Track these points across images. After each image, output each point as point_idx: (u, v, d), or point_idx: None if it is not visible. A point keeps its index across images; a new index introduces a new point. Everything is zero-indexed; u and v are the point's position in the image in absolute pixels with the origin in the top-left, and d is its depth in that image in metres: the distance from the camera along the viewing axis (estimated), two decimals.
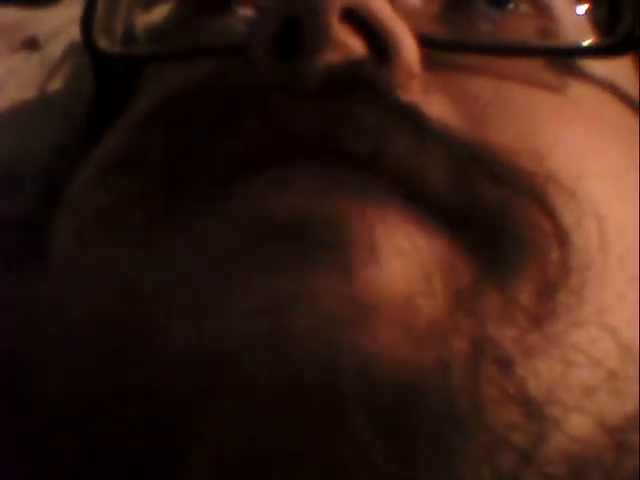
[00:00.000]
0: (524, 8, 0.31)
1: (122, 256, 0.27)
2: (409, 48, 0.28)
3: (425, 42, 0.29)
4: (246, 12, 0.32)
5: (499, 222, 0.26)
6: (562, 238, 0.26)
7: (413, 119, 0.27)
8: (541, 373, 0.24)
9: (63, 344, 0.26)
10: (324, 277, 0.24)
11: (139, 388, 0.24)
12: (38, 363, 0.25)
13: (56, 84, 0.40)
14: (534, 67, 0.30)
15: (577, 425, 0.24)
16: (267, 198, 0.26)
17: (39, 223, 0.33)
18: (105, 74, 0.36)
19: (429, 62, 0.29)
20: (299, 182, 0.26)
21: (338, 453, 0.23)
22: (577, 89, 0.30)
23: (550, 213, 0.26)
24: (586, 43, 0.31)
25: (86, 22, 0.33)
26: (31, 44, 0.42)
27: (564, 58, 0.31)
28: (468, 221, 0.26)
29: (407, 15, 0.29)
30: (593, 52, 0.30)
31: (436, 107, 0.28)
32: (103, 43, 0.33)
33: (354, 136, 0.27)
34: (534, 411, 0.24)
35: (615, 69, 0.32)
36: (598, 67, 0.31)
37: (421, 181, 0.26)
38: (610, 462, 0.25)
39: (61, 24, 0.41)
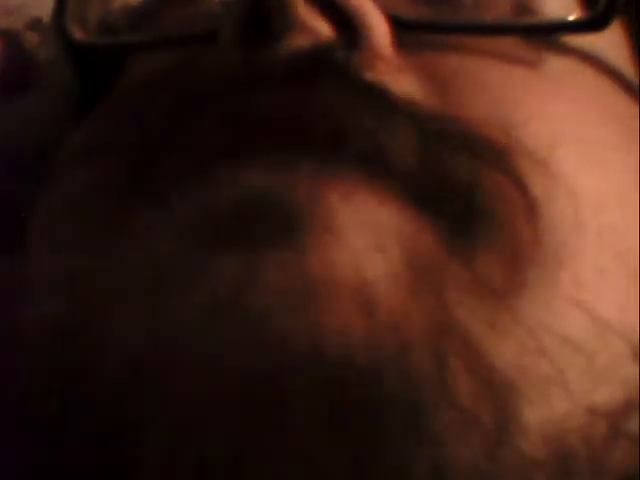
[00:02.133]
0: None
1: (82, 246, 0.27)
2: (379, 30, 0.28)
3: (396, 23, 0.28)
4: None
5: (468, 195, 0.26)
6: (532, 211, 0.25)
7: (379, 96, 0.27)
8: (507, 351, 0.24)
9: (22, 339, 0.26)
10: (276, 256, 0.24)
11: (92, 386, 0.24)
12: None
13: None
14: (511, 44, 0.29)
15: (553, 405, 0.24)
16: (220, 183, 0.26)
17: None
18: (83, 63, 0.35)
19: (402, 43, 0.28)
20: (254, 167, 0.26)
21: (286, 444, 0.23)
22: (555, 64, 0.30)
23: (520, 186, 0.26)
24: (562, 18, 0.30)
25: (58, 11, 0.33)
26: (36, 25, 0.42)
27: (541, 35, 0.30)
28: (436, 195, 0.26)
29: None
30: (570, 28, 0.30)
31: (406, 86, 0.27)
32: (76, 33, 0.32)
33: (319, 118, 0.26)
34: (500, 387, 0.24)
35: (603, 40, 0.31)
36: (581, 41, 0.30)
37: (386, 156, 0.26)
38: (600, 447, 0.24)
39: None
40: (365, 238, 0.25)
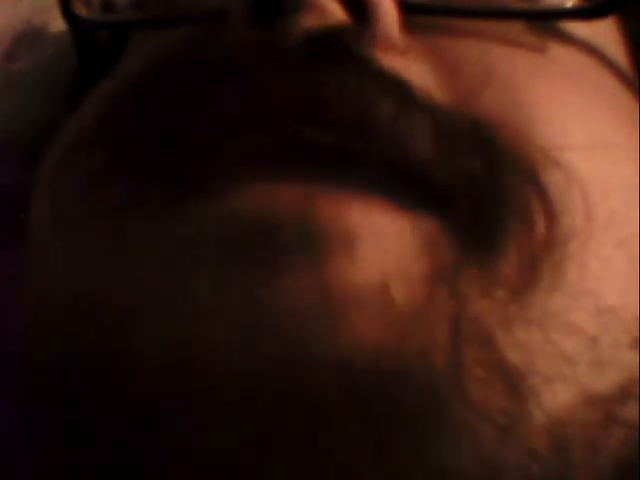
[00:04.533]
0: None
1: (93, 244, 0.26)
2: (388, 11, 0.28)
3: (405, 6, 0.28)
4: None
5: (484, 193, 0.26)
6: (547, 206, 0.26)
7: (396, 86, 0.27)
8: (520, 344, 0.24)
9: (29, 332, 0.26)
10: (295, 272, 0.24)
11: (106, 390, 0.24)
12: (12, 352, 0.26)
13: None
14: (516, 29, 0.30)
15: (559, 395, 0.24)
16: (236, 198, 0.25)
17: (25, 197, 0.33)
18: (86, 43, 0.35)
19: (410, 26, 0.28)
20: (272, 170, 0.26)
21: (319, 453, 0.23)
22: (560, 51, 0.30)
23: (538, 186, 0.26)
24: (567, 5, 0.30)
25: None
26: None
27: (545, 20, 0.30)
28: (450, 192, 0.26)
29: None
30: (574, 14, 0.30)
31: (417, 73, 0.27)
32: (80, 10, 0.32)
33: (335, 99, 0.26)
34: (515, 384, 0.24)
35: (600, 32, 0.32)
36: (582, 30, 0.31)
37: (405, 153, 0.26)
38: (596, 434, 0.25)
39: None
40: (383, 249, 0.25)
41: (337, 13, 0.28)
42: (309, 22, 0.27)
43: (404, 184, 0.26)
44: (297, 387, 0.23)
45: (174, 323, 0.24)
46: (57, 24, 0.40)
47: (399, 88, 0.27)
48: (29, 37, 0.41)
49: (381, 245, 0.25)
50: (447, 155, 0.26)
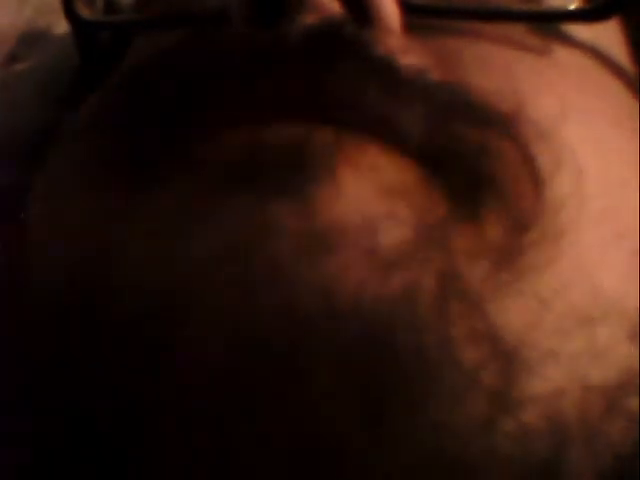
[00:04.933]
0: None
1: (89, 215, 0.27)
2: (390, 12, 0.28)
3: (406, 6, 0.29)
4: None
5: (474, 160, 0.26)
6: (536, 178, 0.26)
7: (388, 69, 0.27)
8: (512, 312, 0.24)
9: (34, 310, 0.26)
10: (287, 202, 0.24)
11: (105, 345, 0.24)
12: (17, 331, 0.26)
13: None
14: (517, 31, 0.30)
15: (552, 373, 0.24)
16: (235, 138, 0.26)
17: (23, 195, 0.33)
18: (88, 44, 0.35)
19: (411, 26, 0.29)
20: (267, 132, 0.26)
21: (302, 398, 0.23)
22: (561, 53, 0.30)
23: (525, 153, 0.26)
24: (569, 7, 0.31)
25: None
26: None
27: (545, 22, 0.31)
28: (443, 160, 0.26)
29: None
30: (575, 16, 0.30)
31: (413, 59, 0.28)
32: (83, 11, 0.33)
33: (333, 96, 0.27)
34: (505, 351, 0.24)
35: (602, 34, 0.32)
36: (583, 32, 0.31)
37: (395, 125, 0.26)
38: (595, 421, 0.25)
39: None
40: (373, 192, 0.25)
41: (339, 14, 0.28)
42: (310, 19, 0.27)
43: (394, 147, 0.26)
44: (283, 312, 0.23)
45: (166, 250, 0.24)
46: (61, 26, 0.40)
47: (393, 74, 0.27)
48: (33, 38, 0.41)
49: (371, 184, 0.25)
50: (438, 127, 0.26)
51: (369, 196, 0.25)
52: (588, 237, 0.26)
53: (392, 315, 0.23)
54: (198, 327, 0.24)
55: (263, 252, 0.24)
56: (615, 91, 0.31)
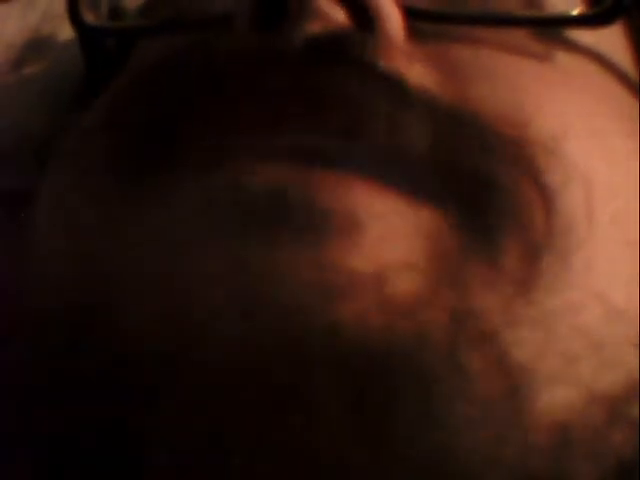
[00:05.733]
0: None
1: (92, 223, 0.27)
2: (393, 19, 0.28)
3: (410, 13, 0.29)
4: None
5: (483, 187, 0.26)
6: (546, 201, 0.26)
7: (394, 85, 0.27)
8: (524, 342, 0.24)
9: (31, 315, 0.26)
10: (296, 246, 0.24)
11: (105, 361, 0.24)
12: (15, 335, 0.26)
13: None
14: (520, 36, 0.30)
15: (561, 395, 0.24)
16: (242, 171, 0.26)
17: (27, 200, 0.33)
18: (93, 50, 0.35)
19: (414, 33, 0.29)
20: (276, 153, 0.26)
21: (304, 431, 0.23)
22: (564, 58, 0.30)
23: (534, 175, 0.26)
24: (571, 13, 0.31)
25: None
26: None
27: (549, 28, 0.31)
28: (451, 188, 0.26)
29: None
30: (577, 22, 0.30)
31: (418, 75, 0.28)
32: (88, 17, 0.33)
33: (337, 102, 0.27)
34: (516, 381, 0.24)
35: (605, 39, 0.32)
36: (586, 37, 0.31)
37: (402, 147, 0.26)
38: (599, 433, 0.25)
39: None
40: (385, 235, 0.25)
41: (342, 20, 0.28)
42: (314, 28, 0.27)
43: (402, 174, 0.26)
44: (288, 356, 0.23)
45: (171, 292, 0.24)
46: (66, 31, 0.40)
47: (399, 90, 0.27)
48: (38, 44, 0.41)
49: (383, 232, 0.25)
50: (445, 149, 0.26)
51: (383, 244, 0.25)
52: (598, 251, 0.26)
53: (401, 353, 0.23)
54: (197, 345, 0.24)
55: (272, 297, 0.24)
56: (619, 96, 0.31)
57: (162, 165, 0.27)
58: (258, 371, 0.23)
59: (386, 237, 0.25)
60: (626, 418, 0.25)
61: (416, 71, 0.28)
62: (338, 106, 0.27)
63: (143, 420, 0.24)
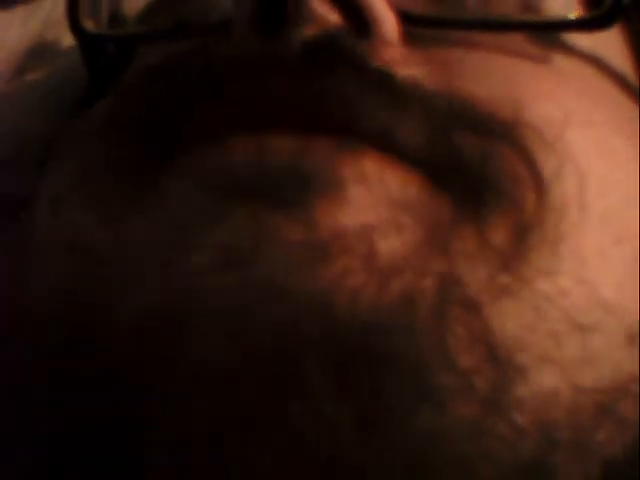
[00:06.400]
0: None
1: (90, 222, 0.27)
2: (388, 23, 0.28)
3: (405, 18, 0.29)
4: None
5: (476, 167, 0.26)
6: (538, 185, 0.26)
7: (388, 81, 0.27)
8: (509, 317, 0.24)
9: (31, 315, 0.26)
10: (289, 214, 0.25)
11: (105, 361, 0.24)
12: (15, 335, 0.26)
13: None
14: (517, 42, 0.30)
15: (546, 377, 0.24)
16: (232, 147, 0.26)
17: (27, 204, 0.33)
18: (93, 57, 0.36)
19: (410, 37, 0.29)
20: (269, 142, 0.26)
21: (295, 408, 0.23)
22: (561, 61, 0.30)
23: (527, 160, 0.26)
24: (568, 17, 0.31)
25: (72, 6, 0.33)
26: None
27: (546, 32, 0.31)
28: (445, 169, 0.26)
29: None
30: (576, 26, 0.30)
31: (414, 75, 0.28)
32: (88, 24, 0.33)
33: (334, 104, 0.27)
34: (499, 355, 0.24)
35: (603, 43, 0.32)
36: (584, 41, 0.31)
37: (396, 136, 0.27)
38: (584, 424, 0.25)
39: None
40: (374, 201, 0.25)
41: (338, 24, 0.28)
42: (311, 32, 0.28)
43: (396, 158, 0.26)
44: (280, 324, 0.24)
45: (171, 292, 0.24)
46: (68, 38, 0.40)
47: (393, 86, 0.27)
48: (40, 51, 0.41)
49: (371, 193, 0.25)
50: (440, 136, 0.27)
51: (370, 205, 0.25)
52: (588, 242, 0.26)
53: (389, 321, 0.24)
54: (197, 342, 0.24)
55: (261, 264, 0.24)
56: (617, 99, 0.31)
57: (162, 166, 0.27)
58: (251, 336, 0.24)
59: (374, 200, 0.25)
60: (613, 415, 0.25)
61: (412, 72, 0.28)
62: (336, 109, 0.27)
63: (143, 420, 0.24)
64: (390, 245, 0.24)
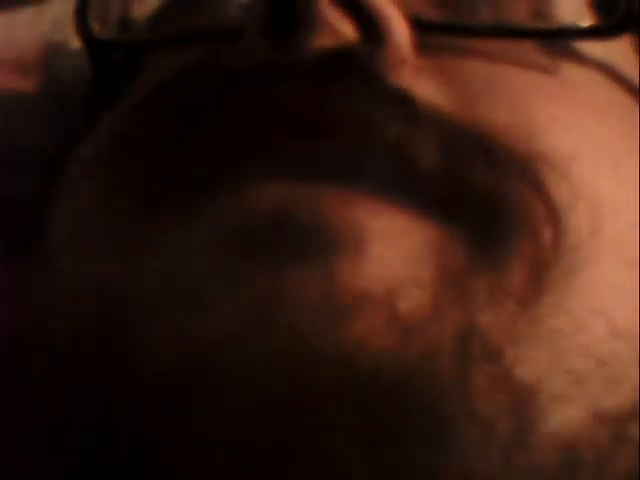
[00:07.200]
0: None
1: (110, 245, 0.27)
2: (400, 32, 0.28)
3: (417, 25, 0.29)
4: None
5: (491, 203, 0.26)
6: (553, 220, 0.26)
7: (403, 102, 0.27)
8: (529, 360, 0.24)
9: (44, 336, 0.26)
10: (306, 272, 0.24)
11: (120, 385, 0.24)
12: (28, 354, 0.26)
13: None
14: (528, 49, 0.30)
15: (567, 415, 0.24)
16: (250, 194, 0.26)
17: (40, 208, 0.33)
18: (101, 61, 0.35)
19: (422, 45, 0.28)
20: (284, 171, 0.26)
21: (318, 455, 0.23)
22: (571, 71, 0.30)
23: (543, 195, 0.26)
24: (580, 24, 0.30)
25: (80, 10, 0.33)
26: None
27: (557, 40, 0.30)
28: (459, 204, 0.26)
29: None
30: (586, 34, 0.30)
31: (427, 90, 0.27)
32: (96, 30, 0.33)
33: (346, 117, 0.27)
34: (522, 401, 0.24)
35: (614, 51, 0.32)
36: (594, 49, 0.31)
37: (411, 163, 0.26)
38: (605, 452, 0.25)
39: None
40: (393, 252, 0.25)
41: (349, 32, 0.28)
42: (322, 41, 0.27)
43: (411, 192, 0.26)
44: (300, 381, 0.23)
45: (185, 317, 0.24)
46: (77, 40, 0.40)
47: (408, 106, 0.27)
48: (49, 52, 0.41)
49: (390, 249, 0.25)
50: (454, 164, 0.26)
51: (390, 261, 0.25)
52: (602, 271, 0.26)
53: (410, 377, 0.23)
54: (216, 395, 0.24)
55: (283, 322, 0.24)
56: (627, 107, 0.31)
57: (179, 191, 0.27)
58: (272, 397, 0.24)
59: (393, 255, 0.25)
60: (629, 438, 0.25)
61: (425, 86, 0.28)
62: (348, 123, 0.27)
63: (159, 461, 0.24)
64: (411, 302, 0.24)
